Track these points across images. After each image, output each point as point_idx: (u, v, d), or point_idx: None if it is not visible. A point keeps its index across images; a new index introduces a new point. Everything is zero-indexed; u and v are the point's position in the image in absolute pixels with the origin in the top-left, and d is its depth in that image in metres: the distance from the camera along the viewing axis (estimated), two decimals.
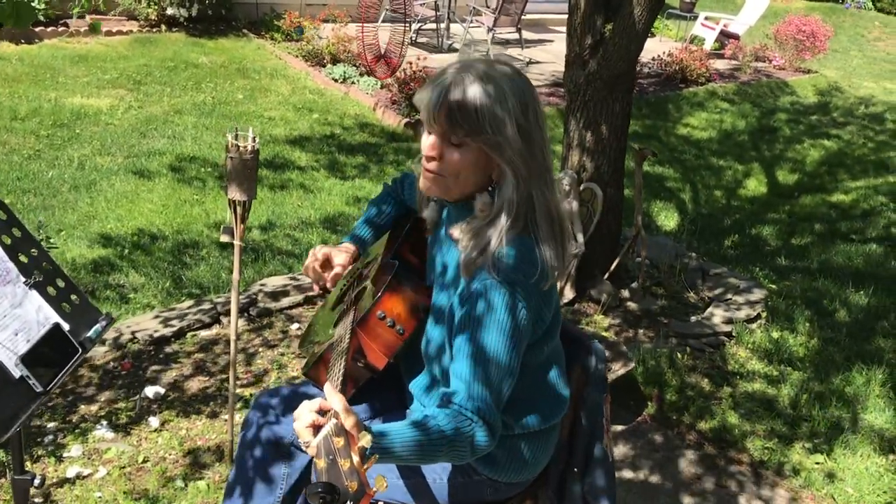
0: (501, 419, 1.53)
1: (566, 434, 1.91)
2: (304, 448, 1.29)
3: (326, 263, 1.84)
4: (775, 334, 4.02)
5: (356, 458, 1.19)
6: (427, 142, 1.56)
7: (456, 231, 1.60)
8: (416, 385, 1.78)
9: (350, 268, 1.90)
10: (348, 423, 1.25)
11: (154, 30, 9.02)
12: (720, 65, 11.07)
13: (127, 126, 6.50)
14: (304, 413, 1.32)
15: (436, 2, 10.00)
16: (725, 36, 11.76)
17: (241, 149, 2.33)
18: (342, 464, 1.18)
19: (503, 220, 1.53)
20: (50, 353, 1.60)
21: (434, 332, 1.68)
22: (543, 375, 1.71)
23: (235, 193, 2.38)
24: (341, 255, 1.86)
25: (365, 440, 1.22)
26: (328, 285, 1.85)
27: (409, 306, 1.69)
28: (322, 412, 1.32)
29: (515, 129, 1.49)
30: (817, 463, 3.14)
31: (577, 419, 1.90)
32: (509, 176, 1.52)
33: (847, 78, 11.98)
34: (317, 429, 1.27)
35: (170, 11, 8.92)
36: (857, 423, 3.41)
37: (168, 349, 3.48)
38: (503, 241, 1.52)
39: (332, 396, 1.31)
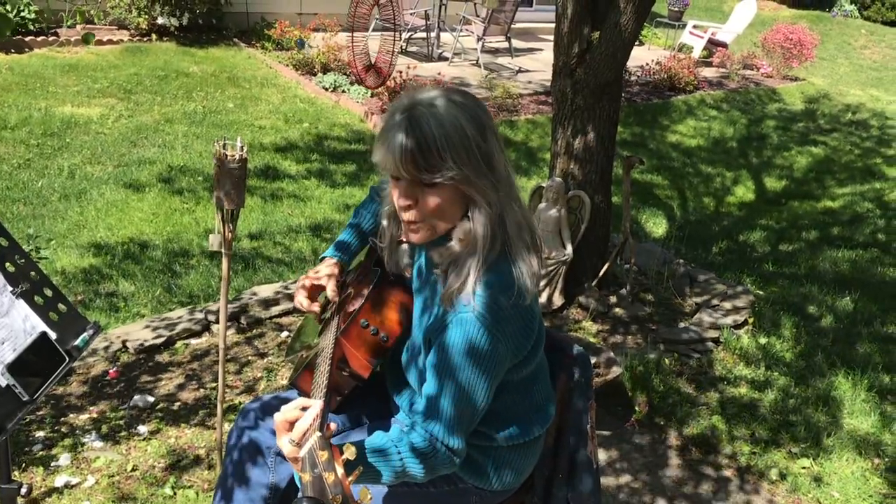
0: (490, 432, 1.57)
1: (551, 441, 1.92)
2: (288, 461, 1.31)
3: (315, 291, 1.85)
4: (762, 340, 4.05)
5: (340, 471, 1.21)
6: (398, 192, 1.53)
7: (436, 255, 1.59)
8: (400, 396, 1.80)
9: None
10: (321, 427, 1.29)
11: (145, 39, 9.03)
12: (708, 73, 11.15)
13: (117, 135, 6.50)
14: (280, 428, 1.38)
15: (426, 11, 10.04)
16: (713, 44, 11.84)
17: (228, 157, 2.34)
18: (326, 477, 1.19)
19: (481, 248, 1.52)
20: (37, 361, 1.61)
21: (413, 351, 1.69)
22: (528, 389, 1.73)
23: (223, 202, 2.40)
24: (330, 281, 1.85)
25: (349, 452, 1.24)
26: (317, 314, 1.86)
27: (392, 314, 1.71)
28: (292, 422, 1.36)
29: (478, 157, 1.48)
30: (804, 467, 3.17)
31: (562, 426, 1.91)
32: (482, 203, 1.51)
33: (834, 85, 12.07)
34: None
35: (160, 21, 8.93)
36: (842, 427, 3.44)
37: (158, 358, 3.49)
38: (482, 271, 1.51)
39: (312, 408, 1.35)
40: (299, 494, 1.21)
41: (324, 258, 1.91)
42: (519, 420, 1.71)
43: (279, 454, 1.82)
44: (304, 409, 1.39)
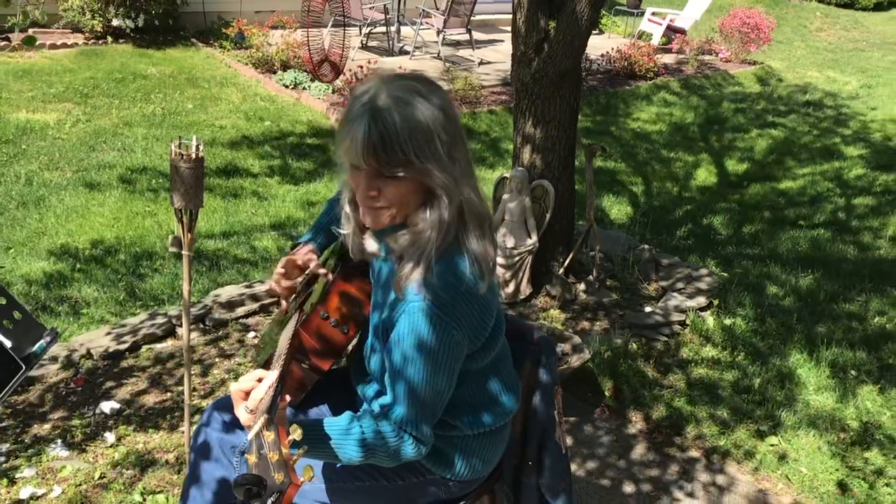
0: (455, 421, 1.58)
1: (519, 428, 1.93)
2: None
3: (290, 270, 1.83)
4: (727, 321, 4.10)
5: (285, 451, 1.22)
6: (361, 183, 1.51)
7: (392, 241, 1.59)
8: (365, 388, 1.79)
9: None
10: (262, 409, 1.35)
11: (100, 42, 8.89)
12: (668, 59, 11.24)
13: (75, 140, 6.40)
14: (236, 397, 1.47)
15: (385, 5, 10.00)
16: (672, 31, 11.94)
17: (184, 157, 2.31)
18: (271, 456, 1.21)
19: (435, 236, 1.51)
20: None
21: (375, 342, 1.69)
22: (491, 377, 1.73)
23: (181, 202, 2.37)
24: (309, 255, 1.84)
25: (296, 433, 1.25)
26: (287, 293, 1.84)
27: (353, 306, 1.70)
28: (248, 393, 1.45)
29: (440, 149, 1.46)
30: (771, 445, 3.21)
31: (529, 413, 1.92)
32: (442, 193, 1.50)
33: (792, 68, 12.24)
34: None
35: (116, 23, 8.80)
36: (808, 404, 3.49)
37: (123, 364, 3.44)
38: (434, 258, 1.51)
39: (268, 377, 1.42)
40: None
41: (297, 244, 1.90)
42: (484, 408, 1.72)
43: (242, 452, 1.80)
44: (260, 380, 1.45)
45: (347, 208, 1.69)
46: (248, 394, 1.45)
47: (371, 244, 1.71)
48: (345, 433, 1.51)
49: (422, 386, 1.51)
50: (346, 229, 1.71)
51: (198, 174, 2.36)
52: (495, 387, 1.73)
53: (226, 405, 1.89)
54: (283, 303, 1.89)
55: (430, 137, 1.45)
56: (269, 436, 1.23)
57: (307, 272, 1.84)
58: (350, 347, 1.81)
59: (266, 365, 1.77)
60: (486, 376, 1.70)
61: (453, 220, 1.53)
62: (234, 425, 1.84)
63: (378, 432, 1.53)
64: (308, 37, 7.83)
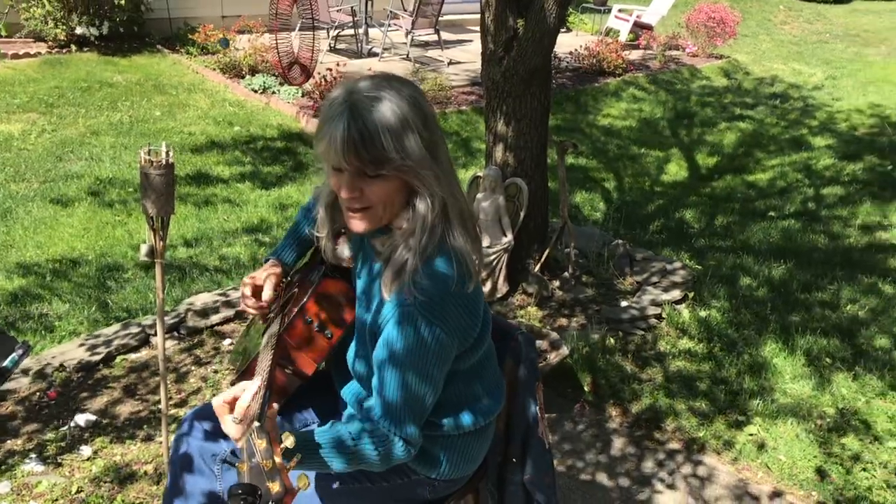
0: (440, 421, 1.58)
1: (502, 426, 1.92)
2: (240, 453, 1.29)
3: (258, 291, 1.82)
4: (703, 313, 4.13)
5: (278, 460, 1.19)
6: (342, 183, 1.48)
7: (378, 243, 1.58)
8: (348, 391, 1.78)
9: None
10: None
11: (64, 51, 8.77)
12: (636, 55, 11.32)
13: (41, 150, 6.30)
14: (220, 411, 1.39)
15: (352, 7, 9.97)
16: (639, 27, 12.02)
17: (154, 164, 2.28)
18: (264, 464, 1.18)
19: (420, 236, 1.50)
20: None
21: (360, 345, 1.67)
22: (477, 377, 1.72)
23: (153, 210, 2.34)
24: (269, 280, 1.83)
25: (288, 441, 1.23)
26: (265, 312, 1.83)
27: (336, 310, 1.68)
28: (232, 405, 1.38)
29: (422, 147, 1.45)
30: (750, 434, 3.23)
31: (511, 410, 1.92)
32: (425, 193, 1.49)
33: (758, 61, 12.37)
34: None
35: (79, 31, 8.69)
36: (785, 392, 3.52)
37: (97, 375, 3.39)
38: (420, 259, 1.49)
39: (252, 384, 1.37)
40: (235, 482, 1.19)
41: (267, 258, 1.89)
42: (469, 408, 1.71)
43: (224, 461, 1.78)
44: (244, 390, 1.39)
45: (322, 213, 1.68)
46: (232, 406, 1.39)
47: (345, 251, 1.70)
48: (333, 442, 1.47)
49: (410, 388, 1.49)
50: (321, 233, 1.70)
51: (168, 181, 2.33)
52: (481, 386, 1.73)
53: (205, 413, 1.86)
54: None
55: (409, 133, 1.44)
56: (261, 444, 1.20)
57: (275, 291, 1.84)
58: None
59: (247, 372, 1.74)
60: (472, 376, 1.69)
61: (438, 220, 1.51)
62: (214, 434, 1.81)
63: (367, 438, 1.49)
64: (276, 40, 7.79)
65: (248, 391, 1.38)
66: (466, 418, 1.70)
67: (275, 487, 1.16)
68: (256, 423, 1.24)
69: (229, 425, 1.36)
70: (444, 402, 1.64)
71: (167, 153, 2.32)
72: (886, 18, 17.75)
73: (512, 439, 1.89)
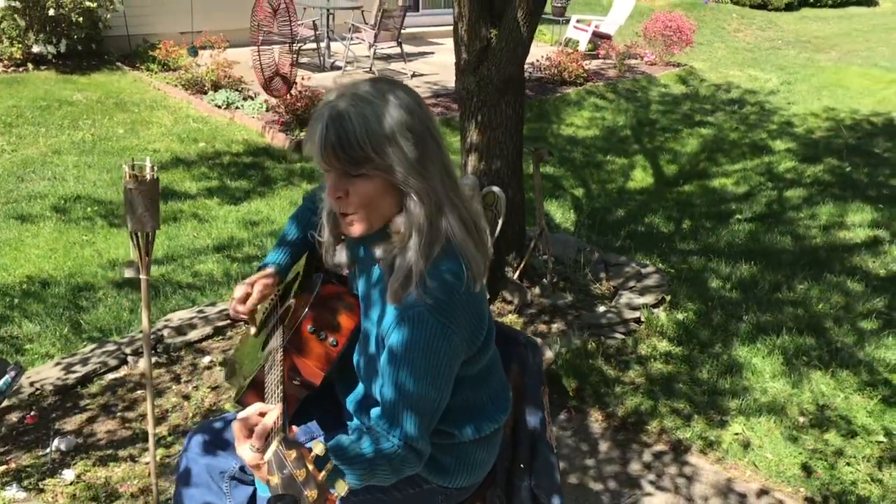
0: (449, 429, 1.56)
1: (509, 431, 1.92)
2: (250, 470, 1.26)
3: (248, 299, 1.80)
4: (679, 316, 4.17)
5: (311, 467, 1.17)
6: (329, 184, 1.52)
7: (378, 250, 1.57)
8: (353, 400, 1.76)
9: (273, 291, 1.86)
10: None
11: (20, 69, 8.60)
12: (595, 64, 11.45)
13: (1, 171, 6.16)
14: (240, 435, 1.31)
15: (314, 21, 9.94)
16: (598, 37, 12.17)
17: (139, 179, 2.25)
18: (297, 475, 1.16)
19: (418, 240, 1.49)
20: None
21: (365, 352, 1.66)
22: (484, 383, 1.71)
23: (138, 225, 2.30)
24: (258, 284, 1.81)
25: (318, 448, 1.21)
26: (246, 316, 1.80)
27: (338, 317, 1.67)
28: (251, 428, 1.30)
29: (404, 148, 1.45)
30: (735, 434, 3.27)
31: (518, 416, 1.92)
32: (413, 195, 1.48)
33: (714, 68, 12.61)
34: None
35: (36, 49, 8.53)
36: (766, 391, 3.57)
37: (76, 397, 3.32)
38: (425, 263, 1.48)
39: (273, 411, 1.30)
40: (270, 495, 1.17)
41: (260, 268, 1.86)
42: (478, 414, 1.70)
43: (233, 478, 1.75)
44: (262, 414, 1.33)
45: (324, 218, 1.67)
46: (251, 431, 1.30)
47: (341, 256, 1.69)
48: (345, 458, 1.40)
49: (420, 396, 1.47)
50: (322, 238, 1.70)
51: (153, 196, 2.30)
52: (488, 392, 1.72)
53: (207, 430, 1.83)
54: (251, 325, 1.86)
55: (390, 134, 1.44)
56: (291, 454, 1.18)
57: (270, 298, 1.82)
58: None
59: (253, 386, 1.71)
60: (478, 382, 1.68)
61: (437, 222, 1.50)
62: (218, 450, 1.78)
63: (378, 449, 1.45)
64: (259, 52, 7.75)
65: (269, 418, 1.30)
66: (476, 425, 1.69)
67: (313, 495, 1.14)
68: (281, 434, 1.22)
69: (247, 452, 1.28)
70: (453, 409, 1.63)
71: (152, 168, 2.29)
72: (834, 25, 18.24)
73: (519, 444, 1.89)
